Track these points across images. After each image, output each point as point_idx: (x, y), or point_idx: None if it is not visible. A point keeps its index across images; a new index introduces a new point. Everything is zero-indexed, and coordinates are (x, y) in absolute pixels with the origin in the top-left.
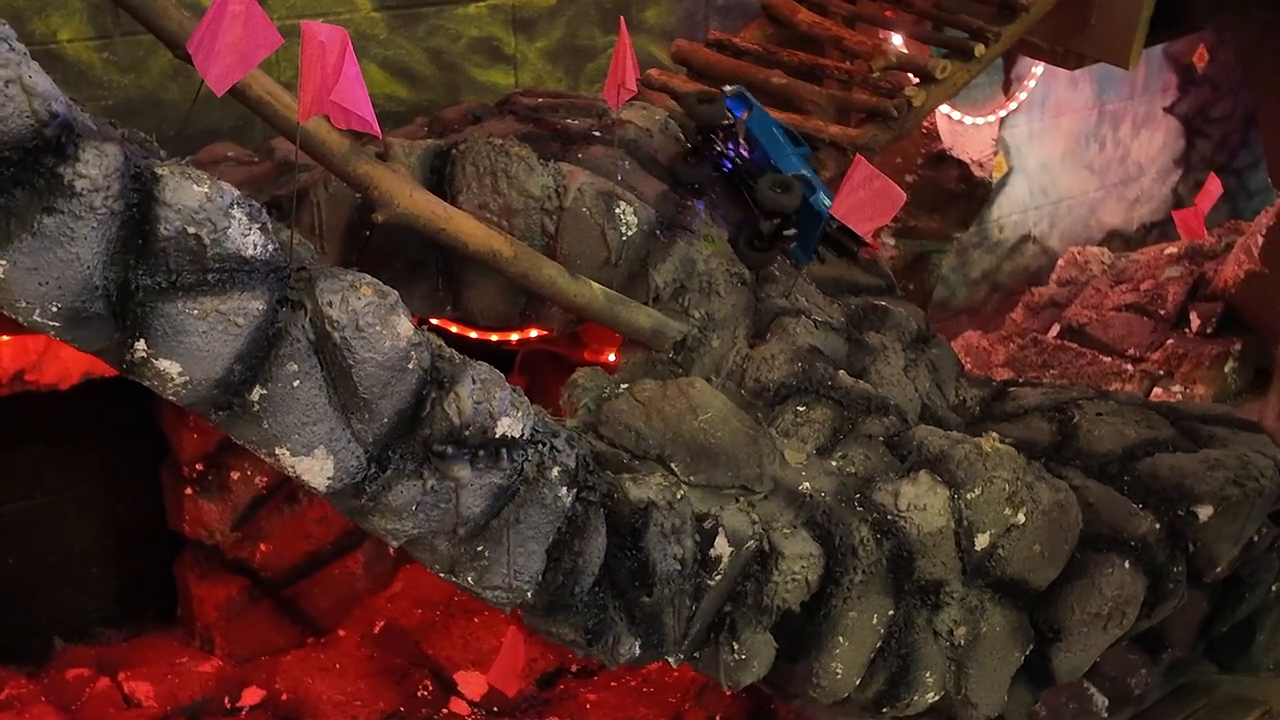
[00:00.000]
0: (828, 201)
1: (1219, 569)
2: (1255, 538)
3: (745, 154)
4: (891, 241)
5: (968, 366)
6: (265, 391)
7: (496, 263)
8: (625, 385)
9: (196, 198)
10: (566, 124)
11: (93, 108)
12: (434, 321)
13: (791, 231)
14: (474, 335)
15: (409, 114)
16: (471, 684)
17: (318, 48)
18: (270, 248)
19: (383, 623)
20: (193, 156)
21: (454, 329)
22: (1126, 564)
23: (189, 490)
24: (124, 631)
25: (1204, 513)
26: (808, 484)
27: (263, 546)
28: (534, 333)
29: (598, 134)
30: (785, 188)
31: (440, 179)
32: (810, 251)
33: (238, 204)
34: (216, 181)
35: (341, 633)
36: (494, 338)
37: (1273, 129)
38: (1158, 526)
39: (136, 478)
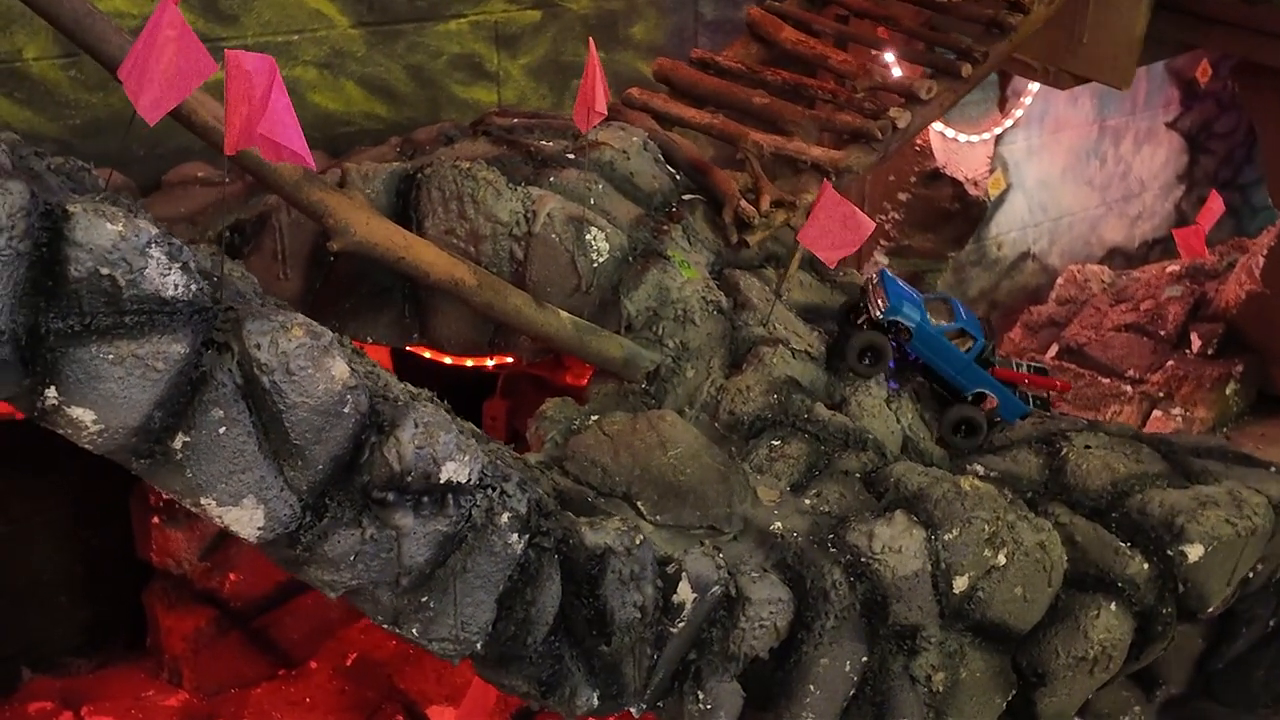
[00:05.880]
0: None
1: (1212, 609)
2: (1251, 574)
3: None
4: (885, 260)
5: None
6: (189, 439)
7: (459, 292)
8: (595, 417)
9: (110, 237)
10: (540, 146)
11: (59, 127)
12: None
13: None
14: (448, 360)
15: (388, 132)
16: None
17: (244, 77)
18: (193, 288)
19: (355, 655)
20: (163, 177)
21: (427, 354)
22: (1114, 605)
23: (156, 519)
24: (93, 661)
25: (1194, 552)
26: (779, 524)
27: (232, 576)
28: (509, 359)
29: (572, 156)
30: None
31: (405, 203)
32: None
33: (156, 243)
34: (133, 219)
35: (313, 665)
36: (469, 363)
37: (1272, 149)
38: (1146, 566)
39: (106, 505)
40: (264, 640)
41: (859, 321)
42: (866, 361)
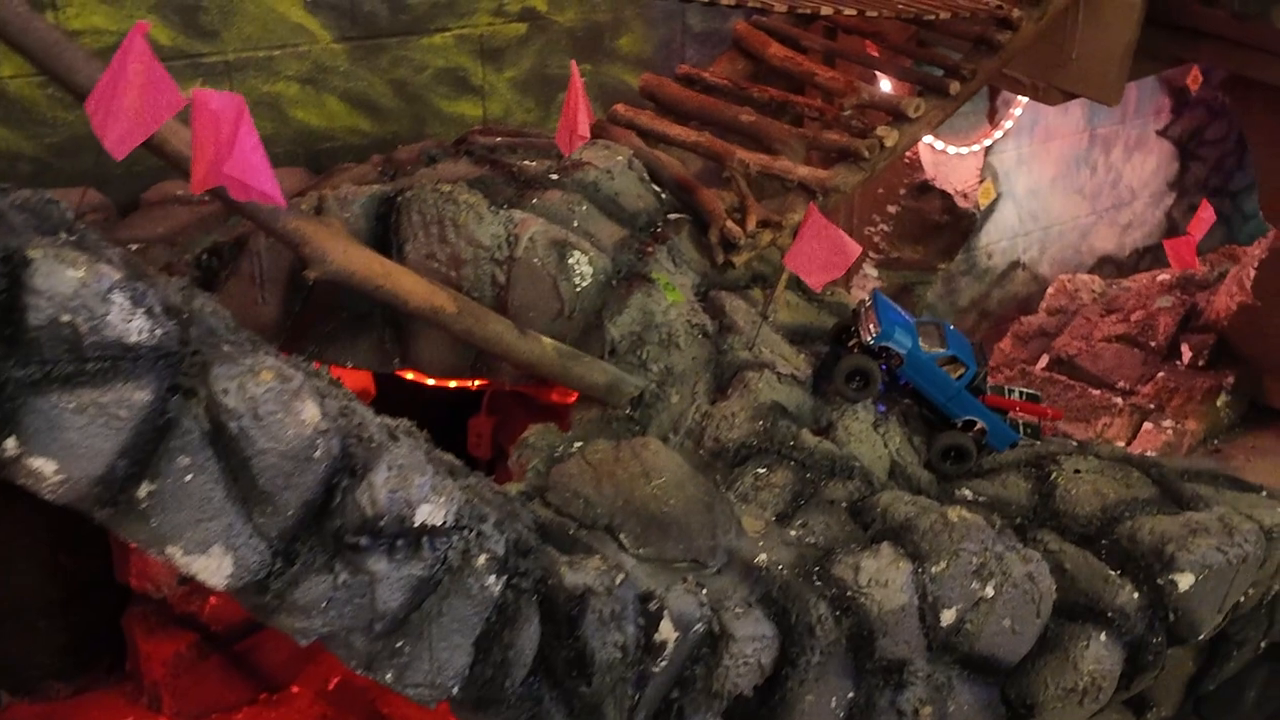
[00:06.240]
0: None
1: (1202, 636)
2: (1242, 598)
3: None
4: (874, 273)
5: None
6: (154, 487)
7: (439, 319)
8: (578, 445)
9: (70, 283)
10: (523, 166)
11: (36, 146)
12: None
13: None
14: (431, 382)
15: (372, 148)
16: None
17: (210, 117)
18: (158, 333)
19: (338, 679)
20: (142, 195)
21: (410, 375)
22: (1103, 636)
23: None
24: (72, 686)
25: (1185, 581)
26: (764, 556)
27: (212, 600)
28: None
29: (555, 177)
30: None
31: (385, 227)
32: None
33: (119, 288)
34: (95, 264)
35: (295, 689)
36: (453, 383)
37: (1263, 162)
38: (1136, 595)
39: (85, 528)
40: (245, 664)
41: (849, 344)
42: (855, 386)
